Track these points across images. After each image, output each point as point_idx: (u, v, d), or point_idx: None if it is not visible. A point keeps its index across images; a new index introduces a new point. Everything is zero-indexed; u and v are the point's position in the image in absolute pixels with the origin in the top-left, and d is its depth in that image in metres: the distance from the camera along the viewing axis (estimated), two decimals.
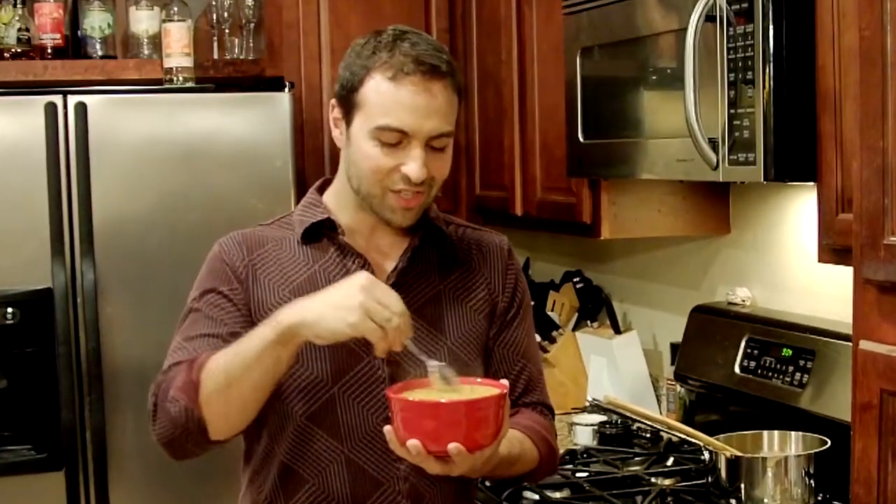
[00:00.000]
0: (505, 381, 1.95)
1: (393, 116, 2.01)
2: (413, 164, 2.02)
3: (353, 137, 2.08)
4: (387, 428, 1.88)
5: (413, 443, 1.84)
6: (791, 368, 2.79)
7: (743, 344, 2.98)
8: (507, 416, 1.91)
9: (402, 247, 2.16)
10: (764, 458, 2.55)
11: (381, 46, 2.04)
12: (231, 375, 1.94)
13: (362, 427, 2.08)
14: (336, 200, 2.17)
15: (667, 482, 2.81)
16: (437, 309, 2.15)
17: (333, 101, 2.13)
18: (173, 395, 1.98)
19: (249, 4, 3.94)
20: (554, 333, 3.83)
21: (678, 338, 3.28)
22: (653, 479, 2.83)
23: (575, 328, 3.85)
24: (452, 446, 1.82)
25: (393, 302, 1.88)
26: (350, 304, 1.86)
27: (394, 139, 2.02)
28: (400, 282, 2.12)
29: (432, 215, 2.19)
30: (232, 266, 2.12)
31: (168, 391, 1.99)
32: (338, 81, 2.11)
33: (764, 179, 2.31)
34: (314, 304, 1.91)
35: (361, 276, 1.91)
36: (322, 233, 2.15)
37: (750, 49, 2.31)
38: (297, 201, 3.44)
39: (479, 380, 1.99)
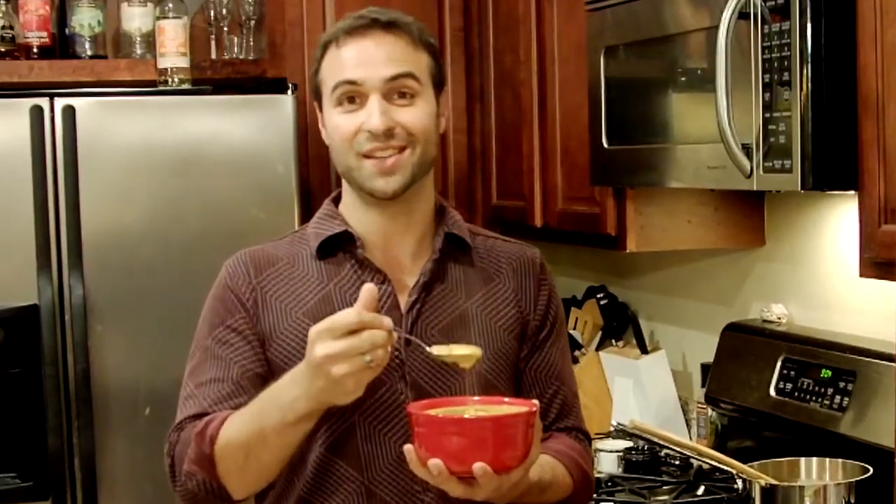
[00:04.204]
0: (535, 401, 1.94)
1: (341, 72, 2.10)
2: (370, 117, 2.07)
3: (325, 121, 2.16)
4: (407, 446, 1.88)
5: (434, 462, 1.83)
6: (830, 391, 2.79)
7: (779, 364, 2.98)
8: (538, 439, 1.91)
9: (423, 260, 2.16)
10: (801, 487, 2.56)
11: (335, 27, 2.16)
12: (250, 451, 1.97)
13: (384, 456, 2.09)
14: (348, 211, 2.18)
15: None
16: (464, 328, 2.14)
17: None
18: (188, 470, 2.02)
19: (250, 1, 3.95)
20: (576, 353, 3.83)
21: (709, 358, 3.29)
22: None
23: (598, 348, 3.86)
24: (478, 466, 1.81)
25: (348, 344, 1.81)
26: (332, 383, 1.84)
27: (349, 93, 2.09)
28: (422, 299, 2.13)
29: (451, 222, 2.19)
30: (237, 293, 2.13)
31: (183, 460, 2.03)
32: None
33: (801, 188, 2.32)
34: (311, 391, 1.88)
35: (309, 352, 1.85)
36: (339, 247, 2.16)
37: (786, 48, 2.31)
38: (301, 210, 3.53)
39: (506, 399, 2.00)
